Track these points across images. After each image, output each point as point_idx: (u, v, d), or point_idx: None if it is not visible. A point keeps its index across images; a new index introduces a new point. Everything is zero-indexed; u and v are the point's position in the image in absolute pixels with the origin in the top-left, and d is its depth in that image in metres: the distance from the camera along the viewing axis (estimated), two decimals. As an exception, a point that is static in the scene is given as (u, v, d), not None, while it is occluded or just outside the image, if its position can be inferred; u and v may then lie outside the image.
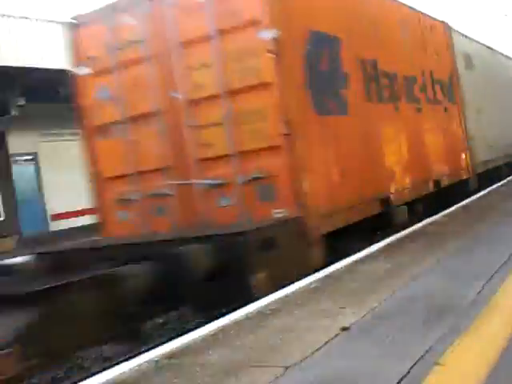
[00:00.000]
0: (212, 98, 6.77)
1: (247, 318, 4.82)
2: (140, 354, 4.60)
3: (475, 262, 5.60)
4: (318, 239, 6.54)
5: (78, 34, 7.70)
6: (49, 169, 19.20)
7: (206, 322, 4.98)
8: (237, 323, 4.67)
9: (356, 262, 6.58)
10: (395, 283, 5.21)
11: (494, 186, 13.37)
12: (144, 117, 7.23)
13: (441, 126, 11.31)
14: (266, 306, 5.13)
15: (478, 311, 4.07)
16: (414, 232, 8.11)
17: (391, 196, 8.47)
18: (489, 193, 12.31)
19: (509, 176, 15.54)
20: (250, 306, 5.18)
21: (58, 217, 19.49)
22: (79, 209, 17.44)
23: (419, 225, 8.62)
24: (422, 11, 11.43)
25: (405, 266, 5.93)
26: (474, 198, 11.53)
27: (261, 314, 4.89)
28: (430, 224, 8.62)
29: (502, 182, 14.23)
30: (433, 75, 11.14)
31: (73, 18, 7.81)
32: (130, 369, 3.88)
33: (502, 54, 18.68)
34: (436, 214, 9.48)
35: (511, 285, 4.58)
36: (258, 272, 5.66)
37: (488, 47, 16.40)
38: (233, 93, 6.66)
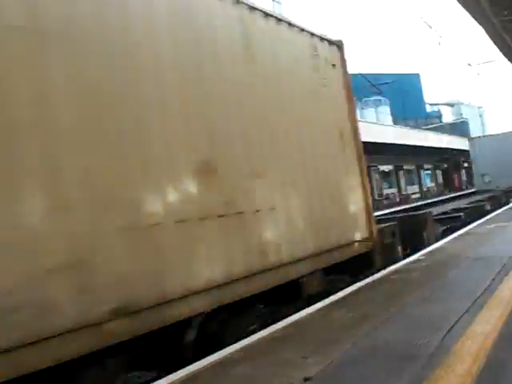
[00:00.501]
0: None
1: (208, 367, 4.79)
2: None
3: (438, 311, 5.64)
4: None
5: None
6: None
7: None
8: (196, 375, 4.65)
9: (320, 310, 6.60)
10: (358, 332, 5.22)
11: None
12: None
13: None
14: (230, 354, 5.12)
15: (440, 361, 4.10)
16: (378, 280, 8.16)
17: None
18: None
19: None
20: (213, 356, 5.17)
21: None
22: None
23: (383, 273, 8.68)
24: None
25: (367, 314, 5.95)
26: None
27: (223, 363, 4.87)
28: (394, 272, 8.67)
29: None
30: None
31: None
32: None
33: None
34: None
35: (473, 332, 4.63)
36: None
37: None
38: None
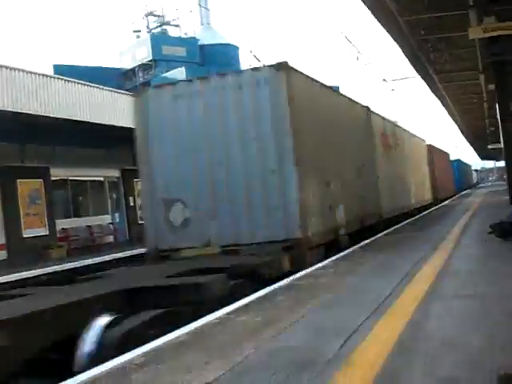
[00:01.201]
0: None
1: (108, 373, 4.70)
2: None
3: (341, 316, 5.74)
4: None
5: None
6: None
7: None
8: (93, 381, 4.55)
9: (227, 314, 6.59)
10: (262, 337, 5.25)
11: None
12: None
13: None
14: (131, 360, 5.03)
15: (339, 367, 4.17)
16: (287, 285, 8.23)
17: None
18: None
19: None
20: (114, 361, 5.07)
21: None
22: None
23: (292, 277, 8.77)
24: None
25: (273, 319, 5.98)
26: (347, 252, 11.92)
27: (124, 368, 4.79)
28: (303, 276, 8.78)
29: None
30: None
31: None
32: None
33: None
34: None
35: (372, 340, 4.73)
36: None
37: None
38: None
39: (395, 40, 23.56)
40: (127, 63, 58.15)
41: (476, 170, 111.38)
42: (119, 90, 25.62)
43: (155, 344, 5.49)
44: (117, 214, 26.73)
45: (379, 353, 4.35)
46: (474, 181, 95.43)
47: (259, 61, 27.05)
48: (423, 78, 31.82)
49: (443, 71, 30.44)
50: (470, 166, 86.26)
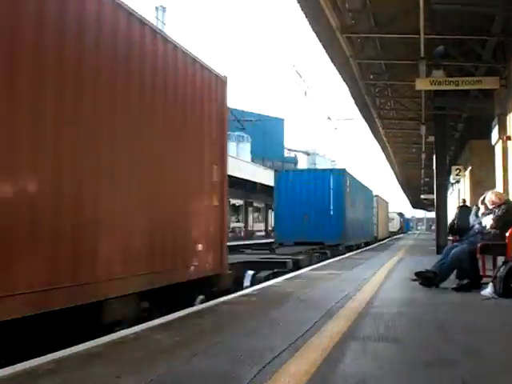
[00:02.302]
0: None
1: (15, 376, 4.52)
2: None
3: (259, 345, 5.69)
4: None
5: None
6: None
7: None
8: (3, 380, 4.36)
9: (143, 331, 6.47)
10: (178, 357, 5.16)
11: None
12: None
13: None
14: (41, 364, 4.86)
15: None
16: (207, 309, 8.16)
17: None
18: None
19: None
20: (22, 364, 4.89)
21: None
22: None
23: (212, 302, 8.70)
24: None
25: (191, 341, 5.90)
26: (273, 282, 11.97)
27: (31, 374, 4.62)
28: (223, 303, 8.72)
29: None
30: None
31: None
32: None
33: None
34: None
35: (287, 371, 4.69)
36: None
37: None
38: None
39: (344, 80, 24.04)
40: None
41: (408, 219, 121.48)
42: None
43: (67, 352, 5.33)
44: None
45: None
46: (405, 228, 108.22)
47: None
48: (367, 121, 32.53)
49: (387, 117, 31.21)
50: (403, 215, 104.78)
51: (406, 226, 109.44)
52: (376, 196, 45.72)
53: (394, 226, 79.54)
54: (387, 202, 62.14)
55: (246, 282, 13.79)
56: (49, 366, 4.85)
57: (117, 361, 5.10)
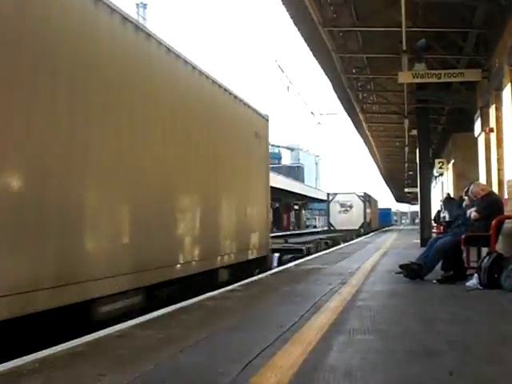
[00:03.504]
0: None
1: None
2: None
3: (245, 340, 5.67)
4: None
5: None
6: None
7: None
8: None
9: (129, 328, 6.43)
10: (163, 354, 5.12)
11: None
12: None
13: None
14: (25, 365, 4.81)
15: None
16: (193, 305, 8.13)
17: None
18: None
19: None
20: (5, 364, 4.83)
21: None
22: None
23: (198, 298, 8.67)
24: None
25: (177, 337, 5.87)
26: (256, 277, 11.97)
27: (13, 375, 4.56)
28: (209, 299, 8.69)
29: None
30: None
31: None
32: None
33: None
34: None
35: (273, 364, 4.67)
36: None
37: None
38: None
39: (327, 74, 24.03)
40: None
41: (387, 210, 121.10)
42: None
43: (50, 351, 5.28)
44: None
45: (280, 378, 4.29)
46: (392, 222, 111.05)
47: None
48: (350, 115, 32.56)
49: (370, 111, 31.25)
50: (390, 210, 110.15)
51: (382, 218, 77.66)
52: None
53: (353, 219, 51.54)
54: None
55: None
56: (33, 365, 4.80)
57: (102, 359, 5.06)
